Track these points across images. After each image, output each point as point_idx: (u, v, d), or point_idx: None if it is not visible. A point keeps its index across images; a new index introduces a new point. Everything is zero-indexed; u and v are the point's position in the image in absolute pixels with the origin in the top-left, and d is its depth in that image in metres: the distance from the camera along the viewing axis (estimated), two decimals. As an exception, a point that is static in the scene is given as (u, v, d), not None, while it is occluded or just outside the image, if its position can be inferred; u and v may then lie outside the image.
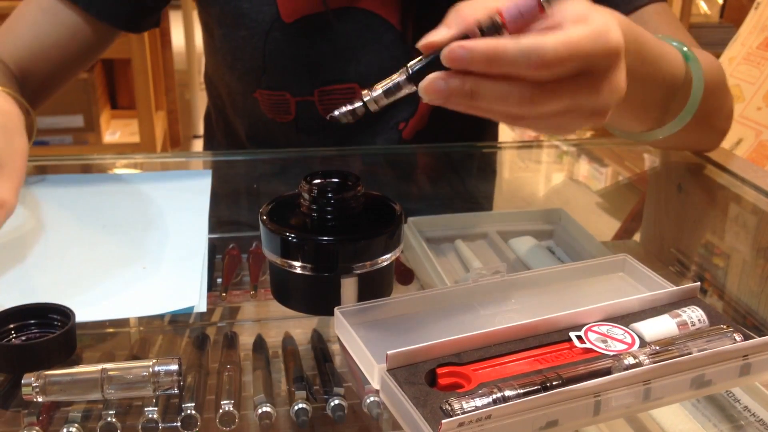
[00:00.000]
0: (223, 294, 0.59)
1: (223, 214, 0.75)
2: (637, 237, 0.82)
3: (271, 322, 0.57)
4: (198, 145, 3.25)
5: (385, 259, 0.52)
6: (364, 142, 0.85)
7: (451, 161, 0.90)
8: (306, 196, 0.52)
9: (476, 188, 0.90)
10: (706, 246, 0.72)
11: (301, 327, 0.56)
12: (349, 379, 0.48)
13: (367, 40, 0.79)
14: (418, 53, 0.89)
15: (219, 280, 0.61)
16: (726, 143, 0.79)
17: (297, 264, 0.51)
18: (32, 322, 0.50)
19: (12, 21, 0.78)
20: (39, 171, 0.79)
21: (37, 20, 0.76)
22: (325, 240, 0.50)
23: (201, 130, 1.03)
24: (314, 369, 0.50)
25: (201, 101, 3.23)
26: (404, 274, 0.62)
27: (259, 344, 0.53)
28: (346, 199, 0.52)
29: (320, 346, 0.53)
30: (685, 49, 0.65)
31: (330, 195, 0.52)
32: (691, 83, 0.64)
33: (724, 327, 0.46)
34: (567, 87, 0.44)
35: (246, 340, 0.54)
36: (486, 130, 0.94)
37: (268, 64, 0.80)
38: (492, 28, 0.43)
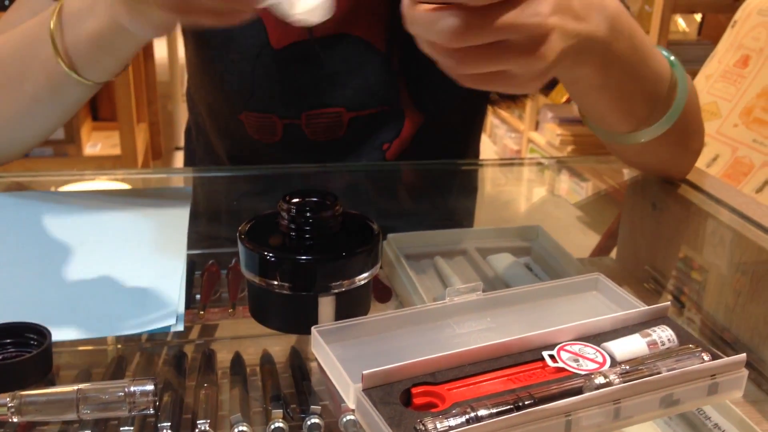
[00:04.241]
0: (201, 312, 0.59)
1: (203, 230, 0.75)
2: (614, 254, 0.83)
3: (250, 339, 0.57)
4: (180, 156, 3.23)
5: (363, 278, 0.52)
6: (348, 162, 0.86)
7: (432, 178, 0.91)
8: (284, 215, 0.53)
9: (457, 205, 0.91)
10: (679, 264, 0.74)
11: (279, 344, 0.56)
12: (326, 397, 0.49)
13: (355, 65, 0.80)
14: (403, 77, 0.89)
15: (198, 297, 0.61)
16: (702, 159, 0.80)
17: (275, 282, 0.51)
18: (8, 341, 0.49)
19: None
20: (17, 187, 0.79)
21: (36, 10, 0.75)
22: (303, 259, 0.51)
23: (183, 142, 1.03)
24: (292, 387, 0.50)
25: (183, 113, 3.22)
26: (382, 292, 0.62)
27: (237, 362, 0.54)
28: (324, 219, 0.52)
29: (298, 363, 0.53)
30: (672, 57, 0.67)
31: (308, 214, 0.52)
32: (676, 86, 0.66)
33: (693, 347, 0.47)
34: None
35: (224, 357, 0.54)
36: (468, 151, 0.95)
37: (256, 88, 0.80)
38: None
